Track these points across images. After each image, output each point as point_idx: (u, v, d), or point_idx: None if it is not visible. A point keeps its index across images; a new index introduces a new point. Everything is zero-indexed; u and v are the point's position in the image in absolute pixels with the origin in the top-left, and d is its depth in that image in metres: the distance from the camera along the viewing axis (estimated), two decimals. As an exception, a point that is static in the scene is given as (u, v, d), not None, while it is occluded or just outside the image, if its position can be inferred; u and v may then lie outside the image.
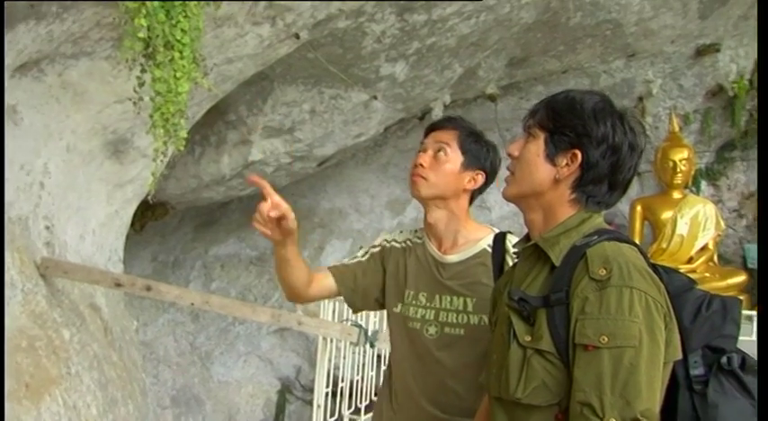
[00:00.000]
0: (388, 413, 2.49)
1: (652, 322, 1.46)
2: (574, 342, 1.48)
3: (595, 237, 1.59)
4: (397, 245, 2.52)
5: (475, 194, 2.44)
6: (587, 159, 1.65)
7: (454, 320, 2.30)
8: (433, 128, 2.50)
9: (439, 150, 2.37)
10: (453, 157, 2.37)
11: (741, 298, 7.48)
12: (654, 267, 1.62)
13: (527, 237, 1.81)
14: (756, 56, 8.48)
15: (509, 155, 1.79)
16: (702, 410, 1.56)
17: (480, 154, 2.40)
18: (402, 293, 2.42)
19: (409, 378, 2.42)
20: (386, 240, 2.57)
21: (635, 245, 1.65)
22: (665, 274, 1.63)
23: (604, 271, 1.49)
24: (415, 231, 2.55)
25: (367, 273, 2.51)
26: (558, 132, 1.68)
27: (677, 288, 1.62)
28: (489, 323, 1.91)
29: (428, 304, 2.35)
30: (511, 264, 2.03)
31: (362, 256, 2.56)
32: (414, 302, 2.38)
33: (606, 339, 1.43)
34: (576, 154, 1.65)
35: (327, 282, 2.49)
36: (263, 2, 4.06)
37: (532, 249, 1.72)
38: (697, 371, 1.59)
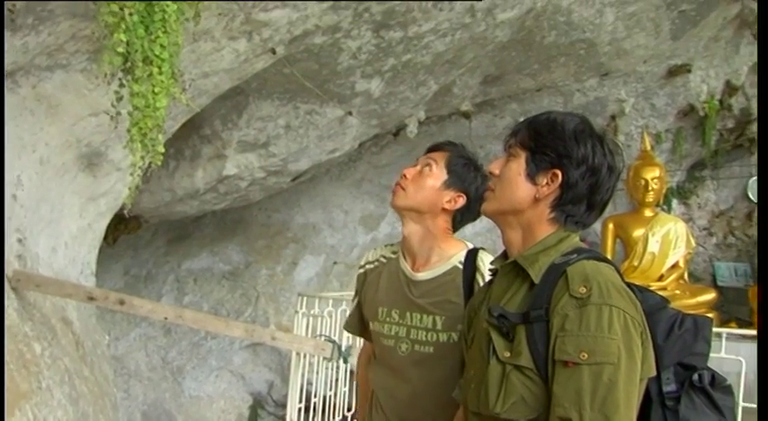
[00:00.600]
0: None
1: (630, 339, 1.49)
2: (553, 358, 1.50)
3: (574, 255, 1.63)
4: (371, 265, 2.56)
5: (457, 217, 2.45)
6: (567, 179, 1.69)
7: (424, 338, 2.31)
8: (431, 148, 2.53)
9: (426, 165, 2.39)
10: (437, 174, 2.40)
11: (710, 316, 7.53)
12: (629, 286, 1.65)
13: (504, 255, 1.84)
14: (725, 78, 8.63)
15: (490, 173, 1.82)
16: None
17: (466, 177, 2.41)
18: (376, 310, 2.43)
19: (381, 393, 2.44)
20: (361, 266, 2.62)
21: (612, 264, 1.69)
22: (639, 293, 1.66)
23: (584, 289, 1.52)
24: (391, 245, 2.58)
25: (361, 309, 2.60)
26: (539, 152, 1.71)
27: (651, 306, 1.65)
28: (464, 340, 1.92)
29: (400, 321, 2.36)
30: (482, 281, 2.06)
31: (354, 296, 2.66)
32: (387, 319, 2.40)
33: (586, 356, 1.46)
34: (557, 174, 1.69)
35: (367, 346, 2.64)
36: (240, 17, 4.08)
37: (511, 267, 1.74)
38: (669, 387, 1.63)
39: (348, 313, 2.71)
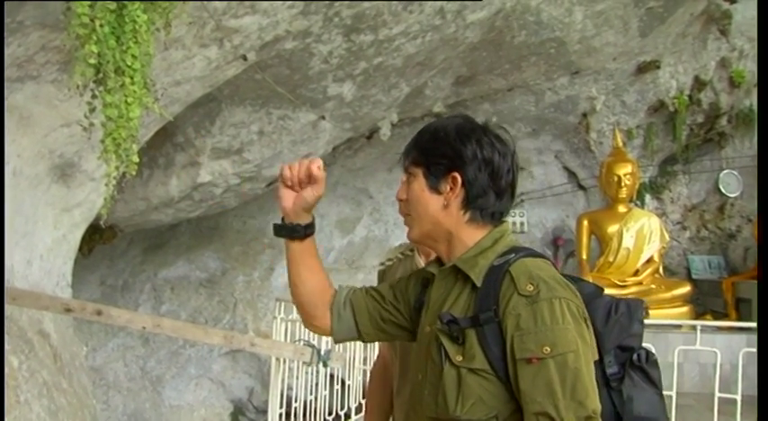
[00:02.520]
0: None
1: (580, 327, 1.56)
2: (514, 357, 1.54)
3: (512, 255, 1.67)
4: (390, 262, 2.58)
5: None
6: (466, 178, 1.73)
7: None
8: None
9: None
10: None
11: (685, 308, 7.57)
12: (565, 277, 1.70)
13: (439, 261, 1.86)
14: (694, 73, 8.73)
15: (398, 200, 1.86)
16: (620, 405, 1.66)
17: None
18: None
19: (391, 391, 2.46)
20: (381, 263, 2.64)
21: (547, 258, 1.74)
22: (573, 283, 1.70)
23: (531, 286, 1.56)
24: (407, 244, 2.60)
25: None
26: (432, 163, 1.76)
27: (588, 295, 1.71)
28: (374, 295, 1.97)
29: None
30: None
31: None
32: None
33: (549, 349, 1.50)
34: (456, 176, 1.73)
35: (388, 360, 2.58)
36: (210, 24, 4.07)
37: (449, 271, 1.77)
38: (612, 369, 1.69)
39: None
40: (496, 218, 1.78)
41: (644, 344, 1.77)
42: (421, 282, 1.90)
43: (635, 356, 1.71)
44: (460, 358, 1.60)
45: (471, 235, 1.76)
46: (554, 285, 1.58)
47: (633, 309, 1.76)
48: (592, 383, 1.53)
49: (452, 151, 1.74)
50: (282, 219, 1.92)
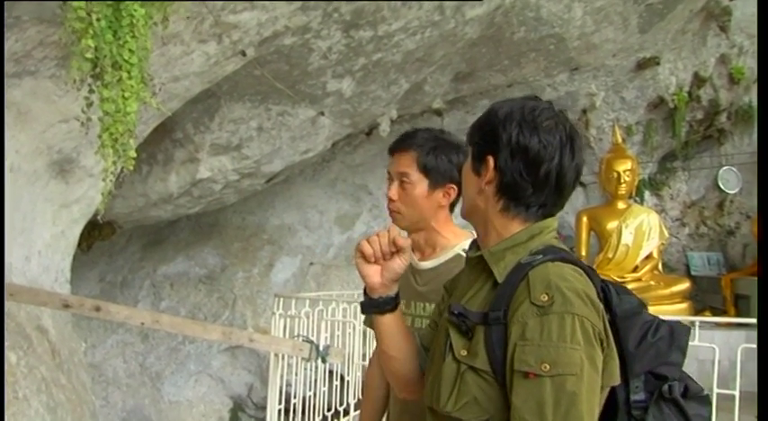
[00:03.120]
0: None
1: (592, 349, 1.44)
2: (513, 367, 1.45)
3: (540, 256, 1.56)
4: None
5: (456, 203, 2.41)
6: (498, 163, 1.64)
7: (425, 327, 2.31)
8: (392, 151, 2.44)
9: (402, 181, 2.35)
10: (417, 182, 2.35)
11: (684, 304, 7.56)
12: (606, 286, 1.62)
13: (476, 245, 1.78)
14: (693, 69, 8.72)
15: None
16: None
17: (445, 168, 2.36)
18: None
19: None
20: None
21: (581, 265, 1.60)
22: (615, 296, 1.62)
23: (546, 297, 1.46)
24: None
25: None
26: (477, 143, 1.71)
27: (626, 311, 1.60)
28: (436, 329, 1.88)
29: (406, 311, 2.34)
30: None
31: None
32: None
33: (548, 367, 1.40)
34: (489, 160, 1.65)
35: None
36: (209, 19, 4.07)
37: (476, 261, 1.70)
38: (637, 396, 1.58)
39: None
40: (536, 211, 1.66)
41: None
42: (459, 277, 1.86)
43: (665, 387, 1.58)
44: (465, 353, 1.53)
45: (506, 225, 1.66)
46: (572, 298, 1.45)
47: (677, 335, 1.64)
48: (591, 411, 1.41)
49: (491, 134, 1.66)
50: (366, 293, 1.82)
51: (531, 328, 1.44)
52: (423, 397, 1.71)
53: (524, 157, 1.62)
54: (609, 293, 1.61)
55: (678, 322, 1.67)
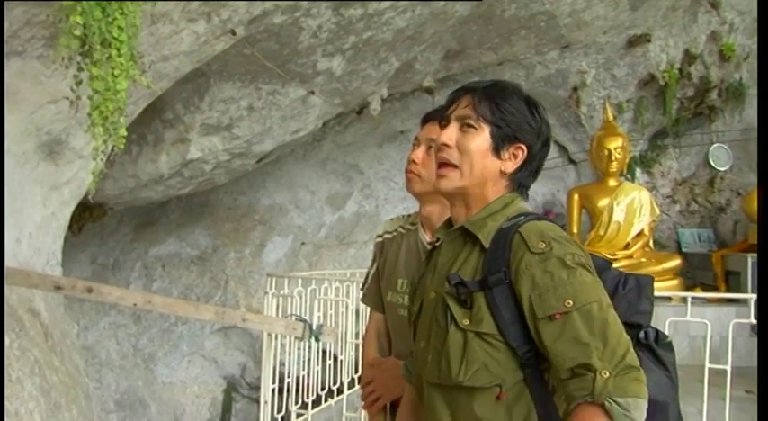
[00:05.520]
0: None
1: (596, 279, 1.54)
2: (535, 318, 1.50)
3: (522, 217, 1.63)
4: (390, 235, 2.53)
5: None
6: (531, 151, 1.70)
7: None
8: (426, 119, 2.42)
9: (430, 146, 2.34)
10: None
11: (675, 281, 7.61)
12: None
13: (449, 224, 1.82)
14: (684, 47, 8.71)
15: (444, 145, 1.75)
16: None
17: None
18: (396, 282, 2.41)
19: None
20: (379, 235, 2.57)
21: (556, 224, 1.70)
22: None
23: (543, 244, 1.53)
24: (408, 216, 2.55)
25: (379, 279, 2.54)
26: (503, 125, 1.69)
27: (596, 267, 1.65)
28: (409, 314, 1.91)
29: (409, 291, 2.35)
30: None
31: (371, 265, 2.58)
32: (404, 290, 2.37)
33: (571, 302, 1.47)
34: (522, 148, 1.69)
35: (384, 323, 2.52)
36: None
37: (457, 234, 1.73)
38: None
39: (364, 284, 2.62)
40: (523, 191, 1.77)
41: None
42: (426, 262, 1.87)
43: (642, 334, 1.66)
44: (467, 322, 1.56)
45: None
46: (565, 242, 1.55)
47: (642, 286, 1.73)
48: (620, 328, 1.48)
49: (525, 121, 1.70)
50: None
51: (540, 276, 1.51)
52: (421, 375, 1.73)
53: (546, 148, 1.74)
54: None
55: (641, 274, 1.76)
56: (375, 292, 2.53)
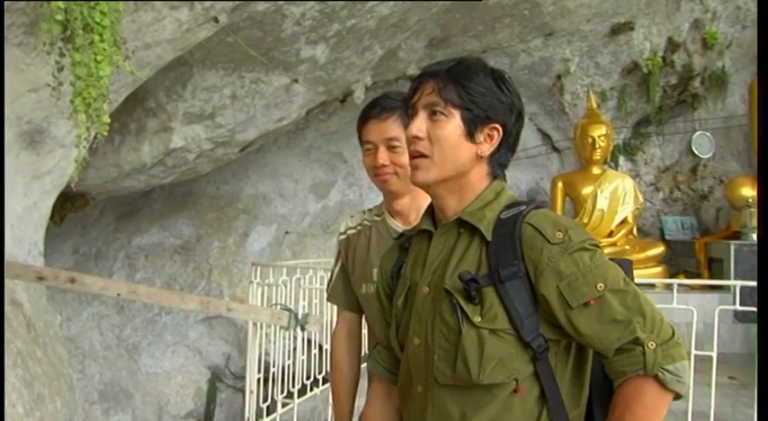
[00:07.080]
0: None
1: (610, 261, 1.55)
2: (569, 308, 1.48)
3: (523, 207, 1.58)
4: (353, 231, 2.48)
5: None
6: (506, 130, 1.63)
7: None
8: (366, 118, 2.32)
9: (392, 147, 2.26)
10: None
11: (659, 268, 7.65)
12: None
13: (430, 214, 1.75)
14: (667, 34, 8.74)
15: (415, 137, 1.63)
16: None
17: None
18: (370, 272, 2.35)
19: (359, 356, 2.42)
20: (342, 233, 2.52)
21: None
22: None
23: (561, 233, 1.51)
24: (369, 210, 2.51)
25: (346, 276, 2.49)
26: (473, 108, 1.60)
27: None
28: (381, 305, 1.86)
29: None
30: None
31: (335, 263, 2.54)
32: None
33: (603, 286, 1.47)
34: (497, 128, 1.61)
35: (355, 322, 2.49)
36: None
37: (450, 226, 1.66)
38: None
39: (329, 283, 2.57)
40: (502, 171, 1.70)
41: None
42: (398, 250, 1.82)
43: None
44: (479, 319, 1.51)
45: (481, 187, 1.66)
46: (578, 228, 1.54)
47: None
48: (649, 300, 1.50)
49: (496, 98, 1.60)
50: None
51: (565, 266, 1.49)
52: (410, 371, 1.69)
53: (520, 121, 1.67)
54: None
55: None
56: (342, 290, 2.48)
